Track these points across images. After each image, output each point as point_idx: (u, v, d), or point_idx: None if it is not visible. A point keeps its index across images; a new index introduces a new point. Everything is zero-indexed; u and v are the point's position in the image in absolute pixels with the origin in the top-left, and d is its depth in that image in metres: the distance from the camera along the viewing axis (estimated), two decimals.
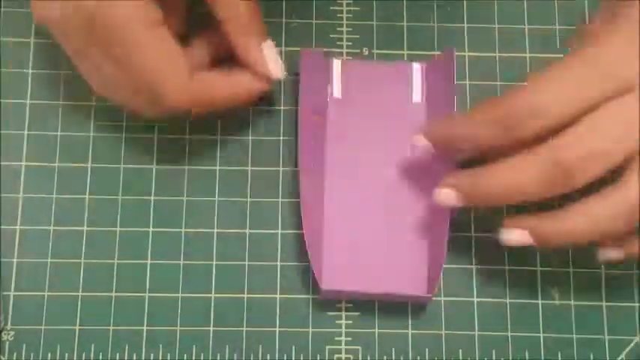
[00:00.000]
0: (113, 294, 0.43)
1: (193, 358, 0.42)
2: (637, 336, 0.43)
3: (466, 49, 0.47)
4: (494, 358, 0.43)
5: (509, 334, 0.43)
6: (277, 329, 0.43)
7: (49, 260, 0.43)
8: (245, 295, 0.43)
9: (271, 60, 0.41)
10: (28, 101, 0.45)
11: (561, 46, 0.47)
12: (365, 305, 0.43)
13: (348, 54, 0.47)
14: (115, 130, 0.45)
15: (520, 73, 0.46)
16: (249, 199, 0.44)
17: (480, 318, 0.43)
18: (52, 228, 0.44)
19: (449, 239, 0.42)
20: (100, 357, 0.42)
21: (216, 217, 0.44)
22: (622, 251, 0.39)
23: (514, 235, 0.39)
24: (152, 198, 0.44)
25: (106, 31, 0.37)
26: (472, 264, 0.44)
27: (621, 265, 0.44)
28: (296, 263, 0.44)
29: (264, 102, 0.45)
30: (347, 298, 0.43)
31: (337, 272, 0.43)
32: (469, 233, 0.44)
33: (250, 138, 0.45)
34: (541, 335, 0.43)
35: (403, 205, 0.44)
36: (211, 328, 0.43)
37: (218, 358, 0.43)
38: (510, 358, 0.43)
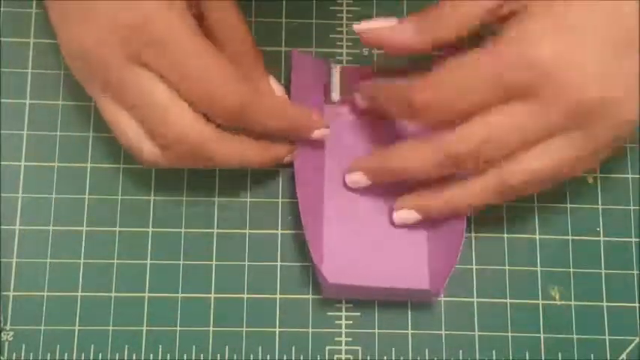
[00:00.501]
0: (113, 294, 0.43)
1: (193, 358, 0.42)
2: (638, 336, 0.43)
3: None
4: (494, 358, 0.43)
5: (510, 334, 0.43)
6: (277, 329, 0.43)
7: (49, 260, 0.43)
8: (245, 296, 0.43)
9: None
10: (28, 101, 0.45)
11: None
12: (365, 305, 0.43)
13: (347, 54, 0.47)
14: None
15: None
16: (249, 199, 0.44)
17: (479, 318, 0.43)
18: (51, 228, 0.44)
19: (464, 240, 0.42)
20: (100, 357, 0.42)
21: (216, 217, 0.44)
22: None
23: (403, 214, 0.43)
24: (152, 198, 0.44)
25: None
26: (472, 264, 0.44)
27: (621, 265, 0.44)
28: (296, 263, 0.44)
29: None
30: (350, 296, 0.43)
31: (340, 269, 0.42)
32: (469, 233, 0.44)
33: None
34: (541, 336, 0.43)
35: None
36: (211, 329, 0.43)
37: (218, 358, 0.42)
38: (511, 358, 0.43)
